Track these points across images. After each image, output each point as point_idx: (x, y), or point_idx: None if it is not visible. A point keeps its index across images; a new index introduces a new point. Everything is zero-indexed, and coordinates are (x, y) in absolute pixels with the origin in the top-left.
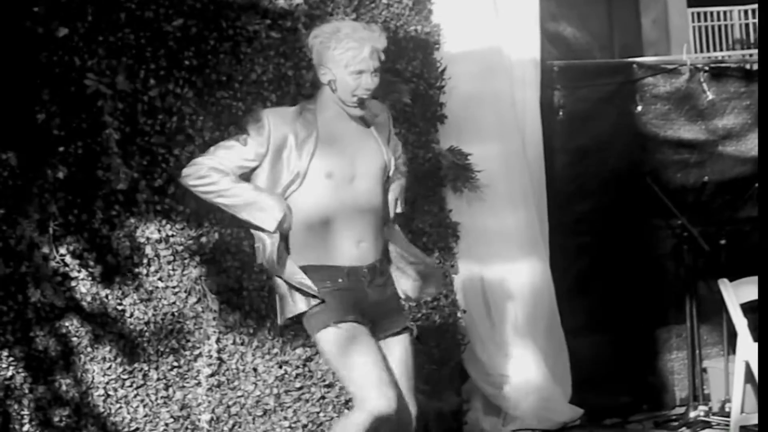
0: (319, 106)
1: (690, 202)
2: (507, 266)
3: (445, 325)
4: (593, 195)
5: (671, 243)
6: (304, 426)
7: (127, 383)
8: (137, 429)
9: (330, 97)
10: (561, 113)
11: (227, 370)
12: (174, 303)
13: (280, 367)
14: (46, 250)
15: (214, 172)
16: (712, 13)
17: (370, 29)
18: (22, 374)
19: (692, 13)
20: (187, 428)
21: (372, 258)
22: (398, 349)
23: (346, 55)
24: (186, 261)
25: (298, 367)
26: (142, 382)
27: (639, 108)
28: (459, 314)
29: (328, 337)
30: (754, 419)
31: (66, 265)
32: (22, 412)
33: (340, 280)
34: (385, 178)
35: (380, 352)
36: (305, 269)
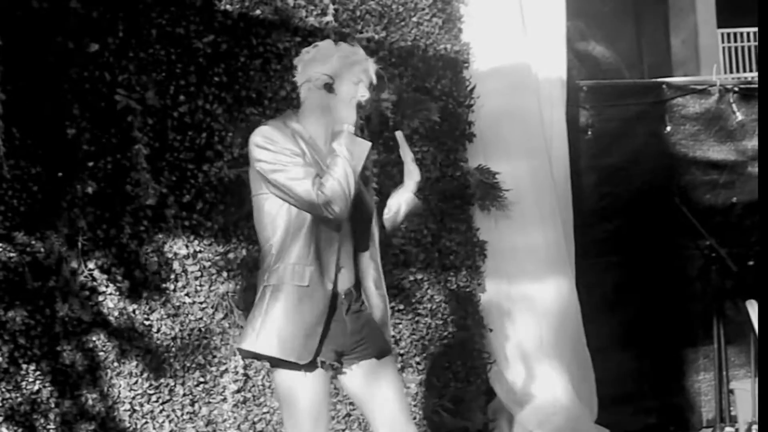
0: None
1: (718, 222)
2: (533, 285)
3: (471, 343)
4: (621, 214)
5: (699, 263)
6: None
7: (153, 398)
8: None
9: (312, 113)
10: (589, 132)
11: (253, 386)
12: (201, 318)
13: None
14: (74, 264)
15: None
16: (742, 33)
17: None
18: (49, 388)
19: (722, 34)
20: None
21: (348, 283)
22: (387, 371)
23: (348, 61)
24: (213, 276)
25: None
26: (168, 397)
27: (668, 128)
28: (485, 333)
29: (288, 381)
30: None
31: (94, 279)
32: (48, 427)
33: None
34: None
35: (327, 405)
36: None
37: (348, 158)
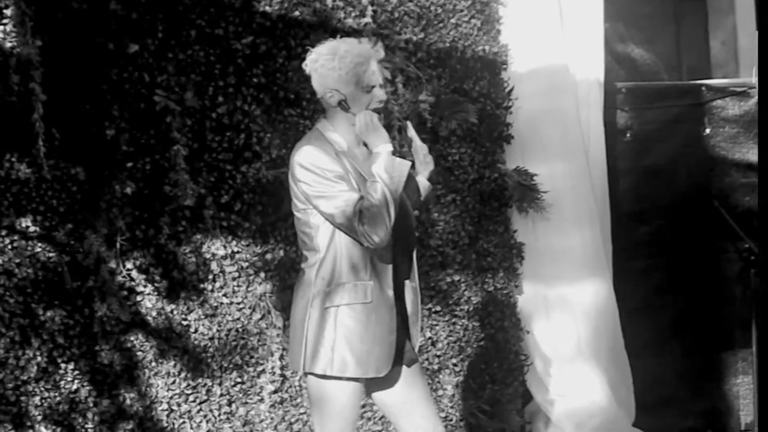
0: (336, 129)
1: (757, 225)
2: (571, 287)
3: (508, 345)
4: (659, 217)
5: (738, 266)
6: None
7: (191, 398)
8: None
9: (342, 118)
10: (628, 135)
11: (290, 387)
12: (238, 319)
13: None
14: (113, 264)
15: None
16: None
17: (366, 43)
18: (87, 388)
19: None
20: None
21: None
22: (418, 379)
23: (353, 71)
24: (251, 277)
25: None
26: (205, 397)
27: (707, 131)
28: (522, 335)
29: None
30: None
31: (132, 279)
32: (87, 426)
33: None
34: None
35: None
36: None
37: (387, 182)
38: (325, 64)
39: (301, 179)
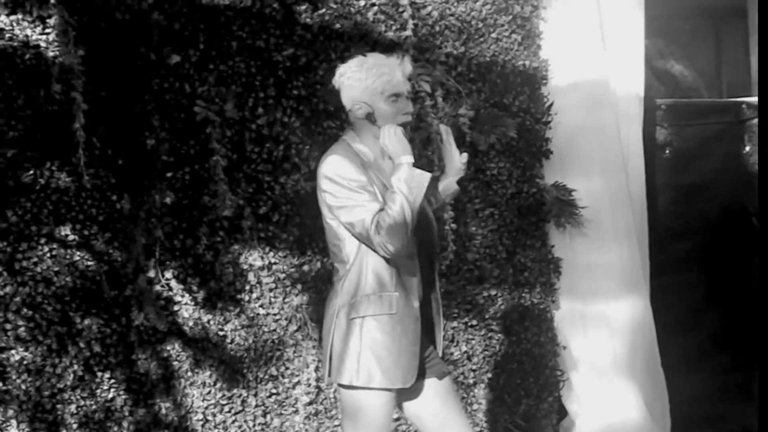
0: (363, 141)
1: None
2: (608, 302)
3: (543, 360)
4: (698, 233)
5: None
6: None
7: (226, 409)
8: None
9: (368, 130)
10: (667, 151)
11: (325, 398)
12: (274, 330)
13: None
14: (151, 274)
15: (381, 212)
16: None
17: (393, 57)
18: (123, 396)
19: None
20: None
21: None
22: (450, 393)
23: (379, 81)
24: (288, 289)
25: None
26: (240, 408)
27: (747, 148)
28: (558, 350)
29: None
30: None
31: (170, 289)
32: None
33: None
34: None
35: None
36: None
37: (406, 193)
38: (352, 76)
39: (325, 189)
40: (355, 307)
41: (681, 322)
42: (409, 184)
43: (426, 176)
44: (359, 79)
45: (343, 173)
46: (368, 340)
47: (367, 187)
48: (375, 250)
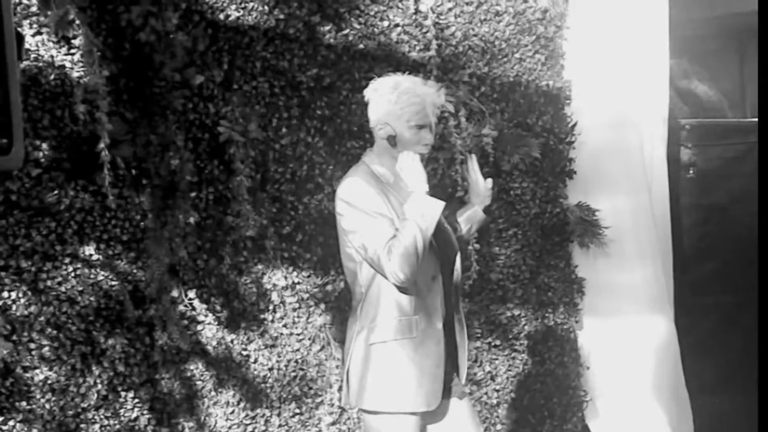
0: (382, 164)
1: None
2: (632, 323)
3: (567, 380)
4: (722, 254)
5: None
6: None
7: (249, 428)
8: None
9: (388, 152)
10: (691, 171)
11: (348, 419)
12: (298, 350)
13: None
14: (174, 293)
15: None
16: None
17: (429, 85)
18: (147, 416)
19: None
20: None
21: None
22: (468, 413)
23: (408, 110)
24: (311, 308)
25: None
26: (264, 428)
27: None
28: (582, 370)
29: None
30: None
31: (193, 309)
32: None
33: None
34: None
35: None
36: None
37: (419, 222)
38: (384, 95)
39: (341, 212)
40: (374, 332)
41: (706, 343)
42: (421, 211)
43: (439, 205)
44: (389, 101)
45: (360, 197)
46: (389, 364)
47: (383, 211)
48: (385, 276)
